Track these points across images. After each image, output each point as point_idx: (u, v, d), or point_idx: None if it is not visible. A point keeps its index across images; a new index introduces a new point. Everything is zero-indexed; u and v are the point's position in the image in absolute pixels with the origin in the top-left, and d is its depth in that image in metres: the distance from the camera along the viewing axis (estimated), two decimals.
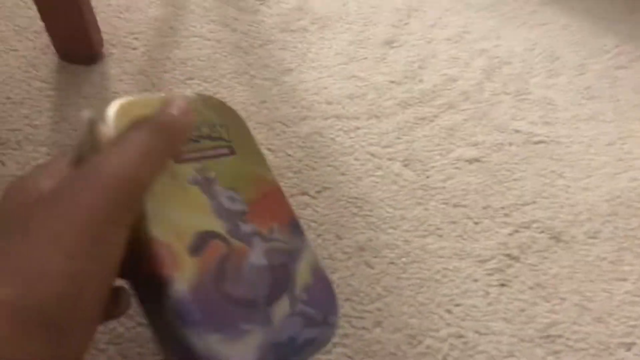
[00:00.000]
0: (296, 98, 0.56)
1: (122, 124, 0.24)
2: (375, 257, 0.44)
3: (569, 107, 0.63)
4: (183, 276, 0.23)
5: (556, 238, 0.49)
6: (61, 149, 0.46)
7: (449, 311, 0.42)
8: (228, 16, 0.63)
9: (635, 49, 0.75)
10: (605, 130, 0.61)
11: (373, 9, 0.70)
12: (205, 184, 0.28)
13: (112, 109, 0.26)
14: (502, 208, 0.50)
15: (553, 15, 0.79)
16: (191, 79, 0.55)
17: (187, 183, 0.27)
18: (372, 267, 0.43)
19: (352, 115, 0.56)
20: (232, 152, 0.30)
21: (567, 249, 0.48)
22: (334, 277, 0.42)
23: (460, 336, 0.41)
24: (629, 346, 0.42)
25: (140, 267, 0.24)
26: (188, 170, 0.27)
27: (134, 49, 0.57)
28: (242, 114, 0.52)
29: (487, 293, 0.44)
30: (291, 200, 0.33)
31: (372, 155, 0.52)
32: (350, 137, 0.53)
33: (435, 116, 0.58)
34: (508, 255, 0.47)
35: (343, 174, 0.50)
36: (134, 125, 0.23)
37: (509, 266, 0.46)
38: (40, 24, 0.53)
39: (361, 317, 0.40)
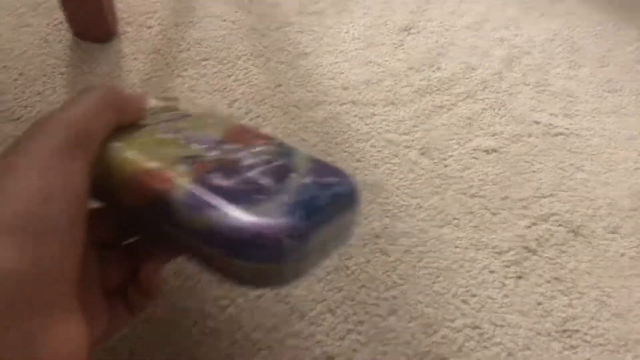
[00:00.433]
0: (312, 82, 0.55)
1: None
2: (391, 244, 0.43)
3: (590, 99, 0.62)
4: (181, 181, 0.23)
5: (575, 232, 0.48)
6: None
7: (465, 302, 0.41)
8: None
9: None
10: (627, 124, 0.60)
11: None
12: (177, 132, 0.28)
13: None
14: (520, 200, 0.49)
15: (575, 5, 0.77)
16: (206, 59, 0.54)
17: (159, 134, 0.27)
18: (388, 255, 0.43)
19: (368, 101, 0.55)
20: (187, 116, 0.31)
21: (586, 244, 0.47)
22: (349, 264, 0.41)
23: (476, 327, 0.40)
24: None
25: (138, 202, 0.24)
26: (156, 129, 0.28)
27: (149, 27, 0.56)
28: (257, 97, 0.52)
29: (504, 285, 0.43)
30: None
31: (389, 142, 0.51)
32: (367, 124, 0.52)
33: (453, 105, 0.57)
34: (525, 247, 0.46)
35: (359, 161, 0.49)
36: (86, 90, 0.26)
37: (526, 259, 0.45)
38: (55, 1, 0.53)
39: (376, 305, 0.40)
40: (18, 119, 0.45)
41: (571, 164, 0.54)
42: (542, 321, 0.41)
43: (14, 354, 0.18)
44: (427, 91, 0.57)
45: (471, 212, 0.47)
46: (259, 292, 0.38)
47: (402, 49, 0.62)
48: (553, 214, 0.49)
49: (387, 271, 0.42)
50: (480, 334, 0.40)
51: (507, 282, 0.43)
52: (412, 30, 0.65)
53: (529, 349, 0.40)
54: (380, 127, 0.52)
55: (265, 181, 0.25)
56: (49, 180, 0.21)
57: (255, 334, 0.36)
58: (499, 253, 0.45)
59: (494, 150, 0.53)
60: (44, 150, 0.22)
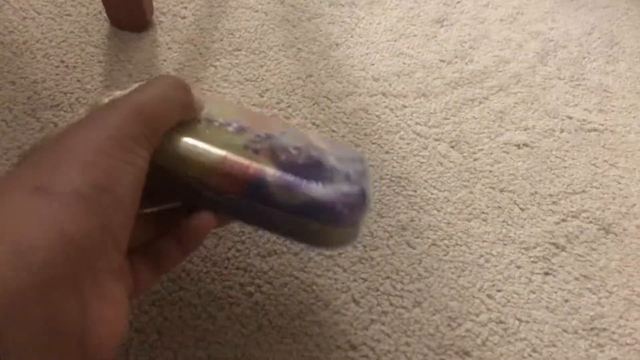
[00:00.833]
0: (342, 73, 0.55)
1: None
2: (417, 237, 0.44)
3: (627, 95, 0.61)
4: (269, 169, 0.28)
5: (606, 229, 0.47)
6: None
7: (490, 296, 0.41)
8: None
9: None
10: None
11: None
12: (210, 121, 0.30)
13: None
14: (550, 195, 0.49)
15: None
16: (238, 50, 0.55)
17: (204, 122, 0.30)
18: (413, 248, 0.43)
19: (399, 93, 0.55)
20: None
21: (617, 242, 0.46)
22: (374, 255, 0.42)
23: (501, 322, 0.40)
24: None
25: (226, 188, 0.28)
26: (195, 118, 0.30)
27: (183, 17, 0.57)
28: (288, 87, 0.52)
29: (530, 281, 0.43)
30: None
31: (418, 134, 0.51)
32: (397, 116, 0.52)
33: (485, 98, 0.56)
34: (554, 244, 0.45)
35: (387, 152, 0.49)
36: (160, 77, 0.28)
37: (555, 255, 0.45)
38: None
39: (400, 296, 0.40)
40: (58, 105, 0.46)
41: (605, 161, 0.53)
42: (569, 318, 0.41)
43: (64, 316, 0.19)
44: (459, 84, 0.57)
45: (500, 207, 0.47)
46: (284, 279, 0.39)
47: (435, 40, 0.62)
48: (584, 211, 0.48)
49: (413, 263, 0.42)
50: (505, 329, 0.40)
51: (534, 277, 0.43)
52: (444, 22, 0.64)
53: (554, 345, 0.39)
54: (410, 119, 0.52)
55: (312, 156, 0.30)
56: (115, 161, 0.22)
57: (280, 320, 0.37)
58: (527, 249, 0.45)
59: (525, 145, 0.53)
60: (113, 131, 0.23)
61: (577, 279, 0.43)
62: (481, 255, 0.43)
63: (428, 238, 0.44)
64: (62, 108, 0.46)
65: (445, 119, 0.53)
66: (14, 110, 0.45)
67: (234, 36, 0.56)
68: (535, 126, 0.55)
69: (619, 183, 0.51)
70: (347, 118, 0.51)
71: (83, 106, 0.47)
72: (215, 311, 0.37)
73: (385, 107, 0.53)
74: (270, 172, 0.28)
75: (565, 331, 0.40)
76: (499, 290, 0.42)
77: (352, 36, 0.60)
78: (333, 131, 0.50)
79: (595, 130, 0.56)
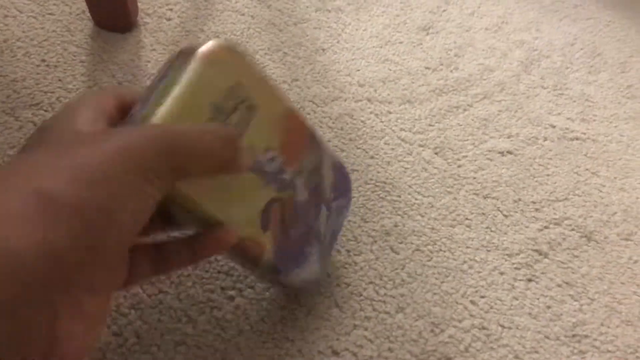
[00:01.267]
0: (328, 78, 0.55)
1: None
2: (400, 242, 0.43)
3: (608, 105, 0.61)
4: (267, 250, 0.31)
5: (587, 237, 0.48)
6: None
7: (473, 302, 0.41)
8: None
9: None
10: None
11: None
12: (250, 149, 0.30)
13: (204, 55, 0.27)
14: (534, 203, 0.49)
15: (596, 10, 0.76)
16: None
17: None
18: (397, 253, 0.43)
19: (384, 99, 0.55)
20: (254, 109, 0.29)
21: (598, 249, 0.47)
22: (357, 260, 0.41)
23: (484, 328, 0.40)
24: None
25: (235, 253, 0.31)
26: None
27: (169, 19, 0.57)
28: None
29: (513, 287, 0.43)
30: None
31: (403, 140, 0.51)
32: (382, 121, 0.52)
33: (470, 105, 0.56)
34: (537, 250, 0.45)
35: (372, 158, 0.49)
36: (208, 124, 0.26)
37: (537, 262, 0.45)
38: None
39: (384, 302, 0.40)
40: (38, 104, 0.46)
41: (586, 169, 0.53)
42: (551, 325, 0.41)
43: (31, 332, 0.18)
44: (444, 91, 0.57)
45: (483, 213, 0.47)
46: (266, 284, 0.38)
47: (420, 48, 0.62)
48: (566, 218, 0.48)
49: (396, 269, 0.42)
50: (488, 335, 0.40)
51: (516, 284, 0.43)
52: (430, 30, 0.65)
53: (536, 352, 0.39)
54: (395, 125, 0.52)
55: (309, 220, 0.34)
56: (126, 187, 0.21)
57: (262, 325, 0.36)
58: (510, 255, 0.45)
59: (509, 152, 0.53)
60: (137, 157, 0.21)
61: (559, 285, 0.44)
62: (465, 261, 0.43)
63: (412, 243, 0.44)
64: (42, 107, 0.45)
65: (430, 125, 0.53)
66: None
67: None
68: (519, 134, 0.55)
69: (601, 191, 0.52)
70: (333, 123, 0.51)
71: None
72: (195, 315, 0.36)
73: (371, 112, 0.53)
74: (269, 254, 0.31)
75: (547, 338, 0.40)
76: (482, 297, 0.42)
77: (338, 42, 0.60)
78: None
79: (577, 139, 0.56)
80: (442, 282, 0.42)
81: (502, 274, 0.43)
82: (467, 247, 0.44)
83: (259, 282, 0.38)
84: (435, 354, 0.38)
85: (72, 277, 0.19)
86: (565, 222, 0.48)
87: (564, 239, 0.47)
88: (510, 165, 0.52)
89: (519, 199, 0.49)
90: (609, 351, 0.40)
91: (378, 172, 0.48)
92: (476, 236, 0.45)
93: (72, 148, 0.21)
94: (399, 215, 0.45)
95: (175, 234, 0.30)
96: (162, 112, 0.24)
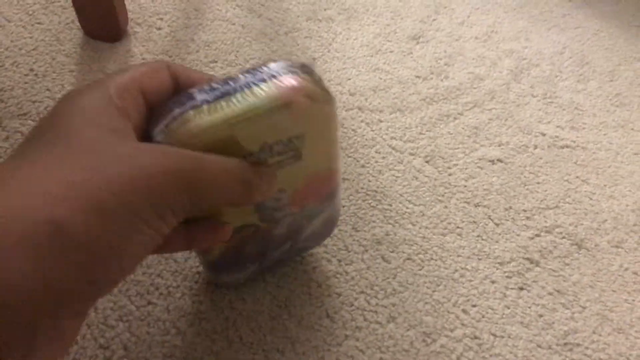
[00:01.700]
0: None
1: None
2: (392, 251, 0.43)
3: (597, 113, 0.62)
4: (217, 250, 0.31)
5: (578, 245, 0.48)
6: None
7: (465, 311, 0.41)
8: (254, 2, 0.63)
9: None
10: (634, 139, 0.60)
11: (401, 3, 0.69)
12: (277, 199, 0.30)
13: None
14: (524, 211, 0.49)
15: (584, 19, 0.77)
16: (215, 62, 0.55)
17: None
18: (388, 262, 0.42)
19: (375, 107, 0.55)
20: (299, 159, 0.28)
21: (589, 257, 0.47)
22: (349, 269, 0.41)
23: (476, 337, 0.40)
24: None
25: None
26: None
27: (159, 29, 0.57)
28: None
29: (505, 296, 0.43)
30: None
31: (394, 149, 0.51)
32: (372, 130, 0.52)
33: (460, 114, 0.57)
34: (528, 259, 0.45)
35: (363, 166, 0.49)
36: (230, 160, 0.25)
37: (529, 270, 0.45)
38: None
39: (375, 311, 0.39)
40: (25, 114, 0.45)
41: (577, 177, 0.54)
42: (543, 333, 0.41)
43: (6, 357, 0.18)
44: (434, 100, 0.57)
45: (474, 222, 0.47)
46: (256, 294, 0.38)
47: (411, 57, 0.62)
48: (557, 226, 0.48)
49: (387, 278, 0.41)
50: (480, 345, 0.39)
51: (508, 293, 0.43)
52: (420, 39, 0.65)
53: None
54: (386, 134, 0.52)
55: (269, 248, 0.34)
56: (137, 226, 0.20)
57: (252, 337, 0.36)
58: (501, 263, 0.45)
59: (499, 161, 0.53)
60: (155, 195, 0.20)
61: (550, 294, 0.44)
62: (456, 270, 0.43)
63: (403, 252, 0.43)
64: (29, 117, 0.45)
65: (421, 134, 0.53)
66: None
67: (210, 48, 0.56)
68: (509, 142, 0.55)
69: (591, 199, 0.52)
70: None
71: None
72: (184, 327, 0.36)
73: (361, 121, 0.53)
74: (212, 256, 0.32)
75: (539, 346, 0.40)
76: (473, 305, 0.41)
77: (329, 51, 0.60)
78: None
79: (567, 146, 0.57)
80: (434, 291, 0.42)
81: (493, 282, 0.43)
82: (459, 256, 0.44)
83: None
84: None
85: (62, 308, 0.19)
86: (556, 230, 0.48)
87: (555, 247, 0.47)
88: (501, 173, 0.52)
89: (510, 207, 0.49)
90: (600, 359, 0.40)
91: (369, 181, 0.48)
92: (467, 245, 0.45)
93: (88, 161, 0.20)
94: (390, 224, 0.45)
95: None
96: (212, 123, 0.23)
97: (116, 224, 0.19)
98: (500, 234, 0.47)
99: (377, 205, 0.46)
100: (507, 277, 0.44)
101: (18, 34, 0.51)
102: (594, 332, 0.42)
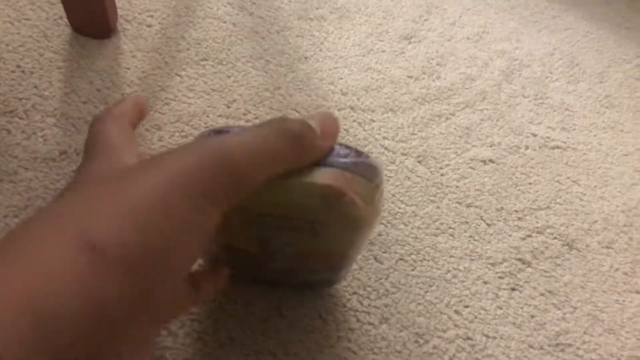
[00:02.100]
0: (311, 86, 0.55)
1: None
2: (384, 252, 0.43)
3: (588, 114, 0.62)
4: None
5: (569, 245, 0.48)
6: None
7: (457, 312, 0.41)
8: (246, 0, 0.62)
9: None
10: (623, 140, 0.60)
11: (393, 2, 0.69)
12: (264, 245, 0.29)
13: None
14: (516, 211, 0.49)
15: (574, 21, 0.77)
16: (205, 59, 0.54)
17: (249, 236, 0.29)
18: (381, 262, 0.42)
19: (367, 107, 0.55)
20: (314, 235, 0.27)
21: (580, 257, 0.47)
22: None
23: (468, 338, 0.40)
24: None
25: None
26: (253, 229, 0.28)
27: (149, 26, 0.56)
28: (255, 99, 0.51)
29: (497, 296, 0.43)
30: None
31: (386, 149, 0.51)
32: (365, 130, 0.52)
33: (452, 114, 0.57)
34: (520, 259, 0.46)
35: None
36: (271, 121, 0.23)
37: (521, 270, 0.45)
38: None
39: (367, 312, 0.39)
40: (12, 111, 0.44)
41: (567, 178, 0.54)
42: (535, 334, 0.41)
43: None
44: (426, 100, 0.57)
45: (466, 222, 0.47)
46: (248, 296, 0.38)
47: (403, 57, 0.62)
48: (548, 227, 0.49)
49: (380, 279, 0.41)
50: (472, 346, 0.39)
51: (500, 293, 0.43)
52: (412, 39, 0.65)
53: None
54: (378, 134, 0.52)
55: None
56: (178, 224, 0.19)
57: (243, 338, 0.36)
58: (493, 264, 0.45)
59: (491, 161, 0.53)
60: (186, 184, 0.19)
61: (542, 294, 0.44)
62: (448, 271, 0.43)
63: (396, 253, 0.43)
64: (16, 114, 0.44)
65: (413, 134, 0.53)
66: None
67: (201, 46, 0.55)
68: (501, 143, 0.55)
69: (582, 200, 0.52)
70: None
71: (39, 113, 0.45)
72: (175, 328, 0.35)
73: (354, 121, 0.53)
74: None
75: (531, 347, 0.40)
76: (466, 306, 0.41)
77: (320, 50, 0.60)
78: None
79: (558, 147, 0.57)
80: (426, 292, 0.41)
81: (485, 283, 0.43)
82: (451, 256, 0.44)
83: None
84: None
85: (119, 334, 0.18)
86: (548, 230, 0.48)
87: (546, 247, 0.47)
88: (493, 173, 0.52)
89: (502, 208, 0.49)
90: None
91: None
92: (460, 245, 0.45)
93: (118, 185, 0.19)
94: (382, 224, 0.45)
95: None
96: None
97: (156, 233, 0.18)
98: (492, 235, 0.47)
99: None
100: (500, 277, 0.44)
101: (5, 30, 0.50)
102: (585, 333, 0.42)
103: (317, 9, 0.64)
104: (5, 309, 0.15)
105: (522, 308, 0.42)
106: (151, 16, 0.57)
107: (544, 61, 0.68)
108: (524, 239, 0.47)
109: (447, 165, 0.51)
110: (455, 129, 0.55)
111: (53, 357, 0.16)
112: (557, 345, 0.41)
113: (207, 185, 0.19)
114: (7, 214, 0.38)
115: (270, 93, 0.53)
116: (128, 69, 0.51)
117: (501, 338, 0.40)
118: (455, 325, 0.40)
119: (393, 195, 0.47)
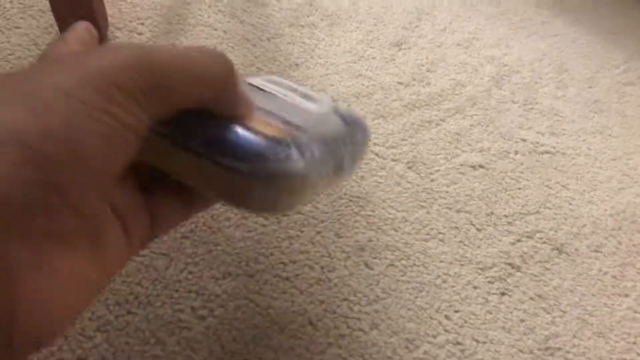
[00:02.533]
0: None
1: None
2: (375, 258, 0.43)
3: (576, 119, 0.63)
4: None
5: (559, 250, 0.48)
6: None
7: (447, 317, 0.41)
8: (237, 7, 0.63)
9: None
10: (612, 145, 0.61)
11: (384, 9, 0.70)
12: None
13: None
14: (506, 216, 0.49)
15: (563, 27, 0.78)
16: None
17: None
18: (371, 268, 0.42)
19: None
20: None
21: (569, 261, 0.47)
22: (331, 276, 0.41)
23: (458, 343, 0.40)
24: None
25: None
26: None
27: (140, 34, 0.56)
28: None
29: (487, 301, 0.43)
30: None
31: (377, 155, 0.51)
32: None
33: (442, 120, 0.57)
34: (510, 264, 0.46)
35: None
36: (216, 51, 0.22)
37: (510, 275, 0.45)
38: (45, 3, 0.53)
39: (358, 319, 0.39)
40: None
41: (557, 182, 0.54)
42: (525, 338, 0.41)
43: None
44: (416, 106, 0.58)
45: (456, 227, 0.47)
46: (238, 302, 0.38)
47: (393, 63, 0.62)
48: (538, 231, 0.49)
49: (370, 284, 0.41)
50: (462, 350, 0.39)
51: (490, 298, 0.43)
52: (403, 46, 0.65)
53: None
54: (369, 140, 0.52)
55: None
56: (83, 108, 0.17)
57: (233, 345, 0.36)
58: (483, 269, 0.45)
59: (481, 166, 0.53)
60: (91, 72, 0.18)
61: (532, 298, 0.44)
62: (438, 276, 0.43)
63: (386, 258, 0.43)
64: None
65: (403, 140, 0.53)
66: None
67: None
68: (491, 148, 0.56)
69: (570, 204, 0.52)
70: None
71: None
72: (165, 336, 0.35)
73: None
74: None
75: (521, 351, 0.40)
76: (456, 311, 0.42)
77: (311, 57, 0.60)
78: None
79: (547, 152, 0.57)
80: (416, 297, 0.42)
81: (475, 287, 0.43)
82: (441, 262, 0.44)
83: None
84: None
85: (26, 224, 0.16)
86: (537, 235, 0.49)
87: (536, 252, 0.47)
88: (483, 179, 0.52)
89: (492, 213, 0.49)
90: None
91: (352, 187, 0.48)
92: (450, 250, 0.45)
93: (19, 76, 0.18)
94: (372, 230, 0.45)
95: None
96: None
97: (59, 117, 0.17)
98: (482, 240, 0.47)
99: (359, 211, 0.46)
100: (489, 282, 0.44)
101: None
102: (574, 337, 0.42)
103: (308, 16, 0.65)
104: None
105: (511, 312, 0.43)
106: (142, 24, 0.57)
107: (533, 67, 0.69)
108: (513, 243, 0.47)
109: (437, 170, 0.52)
110: (445, 134, 0.56)
111: None
112: (546, 349, 0.41)
113: (119, 77, 0.18)
114: None
115: None
116: None
117: (491, 342, 0.40)
118: (446, 331, 0.40)
119: (383, 201, 0.47)
